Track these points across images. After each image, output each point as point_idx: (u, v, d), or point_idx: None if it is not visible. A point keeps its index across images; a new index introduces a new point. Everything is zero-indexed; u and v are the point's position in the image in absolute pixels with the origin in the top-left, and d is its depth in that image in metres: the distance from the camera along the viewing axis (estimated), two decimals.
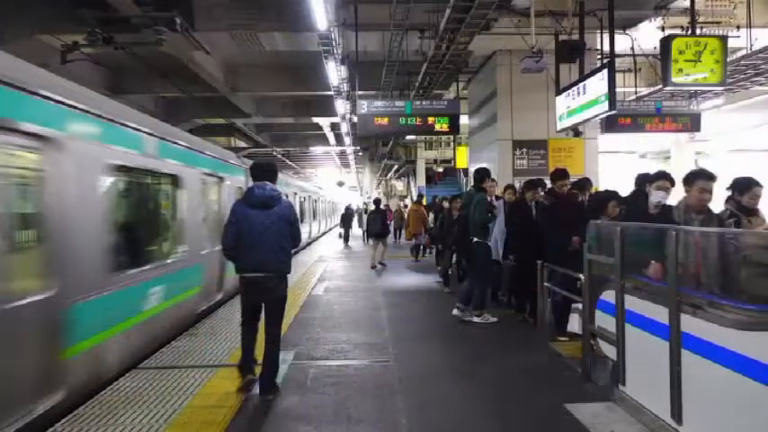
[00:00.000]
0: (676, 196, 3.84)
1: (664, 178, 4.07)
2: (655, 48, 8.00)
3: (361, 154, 27.62)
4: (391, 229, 16.52)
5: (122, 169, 4.47)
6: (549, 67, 8.19)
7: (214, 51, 10.70)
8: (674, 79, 6.75)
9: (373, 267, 10.96)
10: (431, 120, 8.94)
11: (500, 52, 10.64)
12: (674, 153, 19.17)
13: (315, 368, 4.29)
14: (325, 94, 13.31)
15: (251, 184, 3.89)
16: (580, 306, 4.17)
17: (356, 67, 9.86)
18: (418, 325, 5.93)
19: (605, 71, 6.70)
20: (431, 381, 4.03)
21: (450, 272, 8.46)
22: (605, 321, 3.64)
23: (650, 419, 3.04)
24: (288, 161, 28.12)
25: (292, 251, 3.93)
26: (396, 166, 28.43)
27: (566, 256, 4.77)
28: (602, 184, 10.01)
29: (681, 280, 2.83)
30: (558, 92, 8.30)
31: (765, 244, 2.98)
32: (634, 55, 9.87)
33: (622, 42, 9.21)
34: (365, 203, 29.40)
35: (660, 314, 2.92)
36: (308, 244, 17.82)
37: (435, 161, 25.82)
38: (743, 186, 3.86)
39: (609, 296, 3.55)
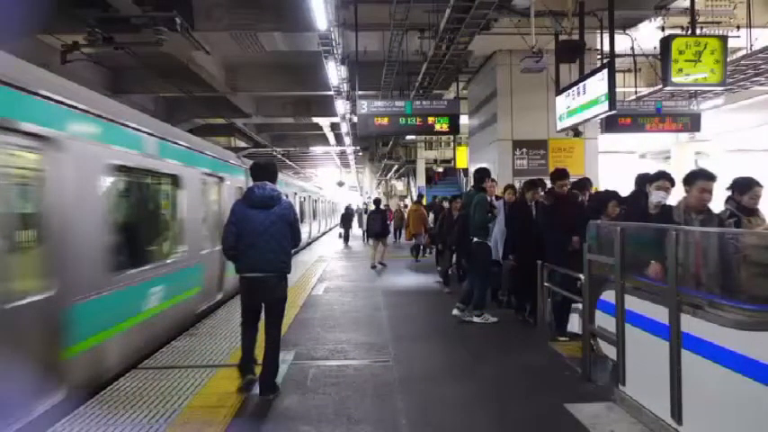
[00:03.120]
0: (676, 196, 3.84)
1: (664, 178, 4.06)
2: (655, 48, 8.01)
3: (361, 154, 27.63)
4: (391, 229, 16.52)
5: (122, 169, 4.47)
6: (549, 67, 8.19)
7: (214, 51, 10.69)
8: (674, 79, 6.75)
9: (373, 267, 10.96)
10: (431, 120, 8.94)
11: (500, 52, 10.65)
12: (674, 153, 19.17)
13: (315, 368, 4.29)
14: (325, 94, 13.30)
15: (251, 184, 3.89)
16: (580, 306, 4.17)
17: (356, 67, 9.86)
18: (418, 325, 5.93)
19: (605, 71, 6.70)
20: (431, 381, 4.03)
21: (450, 272, 8.46)
22: (605, 321, 3.64)
23: (650, 419, 3.04)
24: (288, 161, 28.10)
25: (292, 251, 3.93)
26: (396, 166, 28.42)
27: (566, 256, 4.78)
28: (602, 184, 10.01)
29: (681, 280, 2.83)
30: (558, 92, 8.30)
31: (765, 244, 2.98)
32: (634, 55, 9.87)
33: (622, 42, 9.21)
34: (365, 203, 29.43)
35: (660, 314, 2.92)
36: (308, 244, 17.83)
37: (435, 161, 25.82)
38: (743, 186, 3.85)
39: (609, 296, 3.55)
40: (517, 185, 7.14)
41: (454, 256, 8.20)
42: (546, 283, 5.04)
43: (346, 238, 18.21)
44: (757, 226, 3.74)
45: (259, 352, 3.83)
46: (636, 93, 11.30)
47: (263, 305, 3.79)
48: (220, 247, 4.00)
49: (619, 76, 9.06)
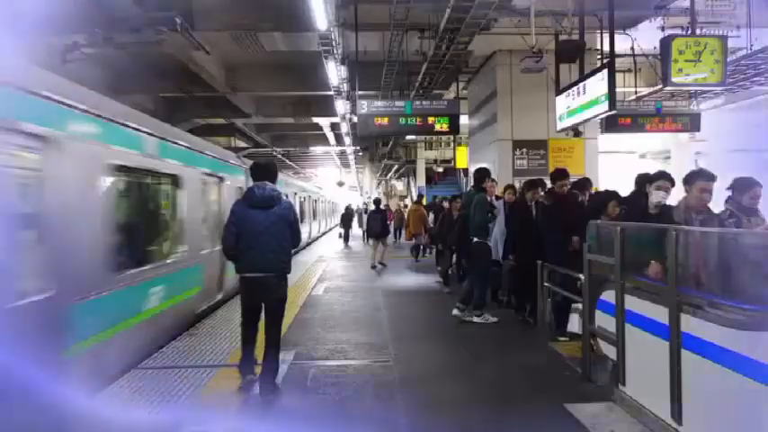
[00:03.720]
0: (676, 196, 3.84)
1: (664, 178, 4.06)
2: (655, 48, 8.00)
3: (361, 154, 27.61)
4: (391, 229, 16.52)
5: (122, 169, 4.47)
6: (549, 67, 8.19)
7: (214, 51, 10.69)
8: (674, 79, 6.75)
9: (373, 267, 10.95)
10: (431, 120, 8.94)
11: (500, 52, 10.65)
12: (674, 153, 19.16)
13: (315, 368, 4.29)
14: (325, 94, 13.29)
15: (251, 184, 3.89)
16: (580, 306, 4.17)
17: (356, 67, 9.86)
18: (418, 325, 5.93)
19: (605, 71, 6.70)
20: (431, 381, 4.04)
21: (450, 272, 8.46)
22: (605, 321, 3.64)
23: (650, 419, 3.04)
24: (288, 161, 28.09)
25: (292, 251, 3.93)
26: (396, 166, 28.41)
27: (566, 256, 4.78)
28: (602, 184, 10.01)
29: (681, 280, 2.83)
30: (558, 92, 8.30)
31: (765, 244, 2.98)
32: (634, 55, 9.86)
33: (622, 42, 9.20)
34: (365, 203, 29.43)
35: (660, 314, 2.92)
36: (308, 244, 17.82)
37: (435, 161, 25.78)
38: (743, 186, 3.85)
39: (609, 296, 3.55)
40: (517, 185, 7.14)
41: (454, 256, 8.19)
42: (546, 283, 5.04)
43: (346, 238, 18.20)
44: (757, 226, 3.74)
45: (259, 352, 3.83)
46: (636, 93, 11.28)
47: (263, 305, 3.80)
48: (220, 247, 4.00)
49: (619, 76, 9.03)
